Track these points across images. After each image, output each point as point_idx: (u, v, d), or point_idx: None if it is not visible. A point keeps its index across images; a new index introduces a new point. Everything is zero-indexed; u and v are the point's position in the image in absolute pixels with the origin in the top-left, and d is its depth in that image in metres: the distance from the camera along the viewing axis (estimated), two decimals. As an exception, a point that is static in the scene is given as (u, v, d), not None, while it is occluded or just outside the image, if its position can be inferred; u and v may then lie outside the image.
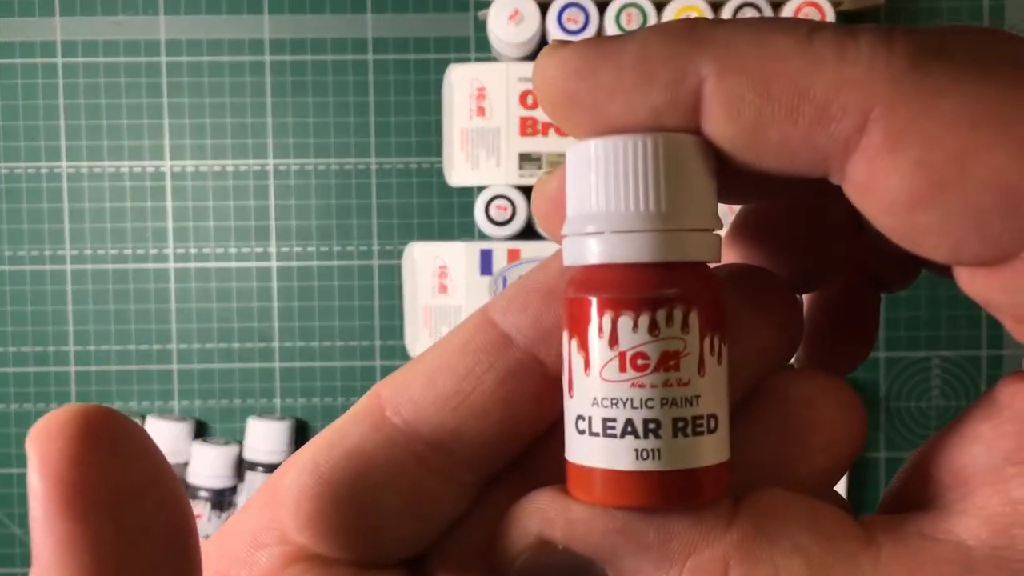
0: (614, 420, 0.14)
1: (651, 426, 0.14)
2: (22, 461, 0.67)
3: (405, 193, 0.66)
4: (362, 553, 0.15)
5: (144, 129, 0.66)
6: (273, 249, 0.66)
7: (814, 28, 0.13)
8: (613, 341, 0.14)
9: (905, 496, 0.15)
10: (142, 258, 0.66)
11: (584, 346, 0.14)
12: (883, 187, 0.13)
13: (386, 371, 0.66)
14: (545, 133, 0.60)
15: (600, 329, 0.14)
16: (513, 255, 0.60)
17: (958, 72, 0.12)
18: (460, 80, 0.60)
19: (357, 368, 0.66)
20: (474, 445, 0.15)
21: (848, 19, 0.65)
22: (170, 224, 0.66)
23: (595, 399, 0.14)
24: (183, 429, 0.64)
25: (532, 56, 0.61)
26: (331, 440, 0.15)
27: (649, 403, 0.14)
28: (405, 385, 0.15)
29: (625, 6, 0.57)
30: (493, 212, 0.60)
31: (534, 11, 0.58)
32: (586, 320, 0.14)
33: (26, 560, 0.67)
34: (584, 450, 0.14)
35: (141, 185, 0.66)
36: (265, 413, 0.67)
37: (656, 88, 0.13)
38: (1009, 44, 0.13)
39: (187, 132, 0.66)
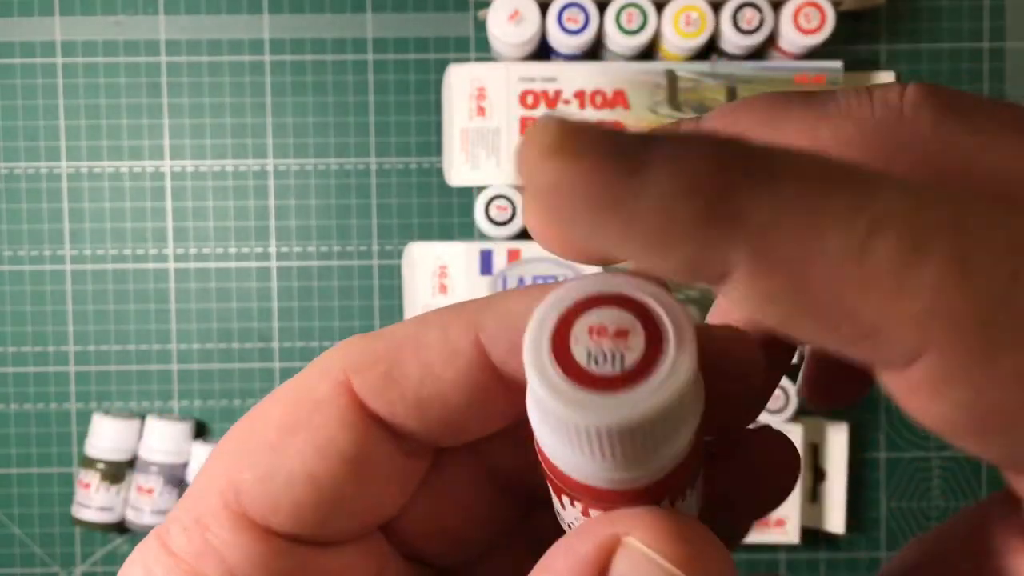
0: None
1: None
2: (22, 461, 0.67)
3: (405, 193, 0.66)
4: (322, 533, 0.16)
5: (144, 129, 0.66)
6: (273, 249, 0.66)
7: (874, 226, 0.11)
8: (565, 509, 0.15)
9: None
10: (142, 258, 0.66)
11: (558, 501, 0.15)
12: (919, 409, 0.12)
13: (386, 371, 0.66)
14: (545, 133, 0.60)
15: (562, 503, 0.15)
16: (513, 255, 0.60)
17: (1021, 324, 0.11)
18: (460, 80, 0.60)
19: (357, 368, 0.66)
20: (456, 434, 0.16)
21: (849, 19, 0.65)
22: (170, 224, 0.66)
23: (560, 517, 0.16)
24: (183, 429, 0.64)
25: (532, 56, 0.61)
26: (317, 444, 0.15)
27: None
28: (389, 399, 0.15)
29: (625, 6, 0.57)
30: (493, 212, 0.60)
31: (534, 11, 0.58)
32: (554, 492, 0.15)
33: (26, 560, 0.67)
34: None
35: (141, 185, 0.66)
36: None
37: (671, 262, 0.11)
38: None
39: (187, 132, 0.66)
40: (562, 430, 0.13)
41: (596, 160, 0.11)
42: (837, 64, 0.60)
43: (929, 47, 0.65)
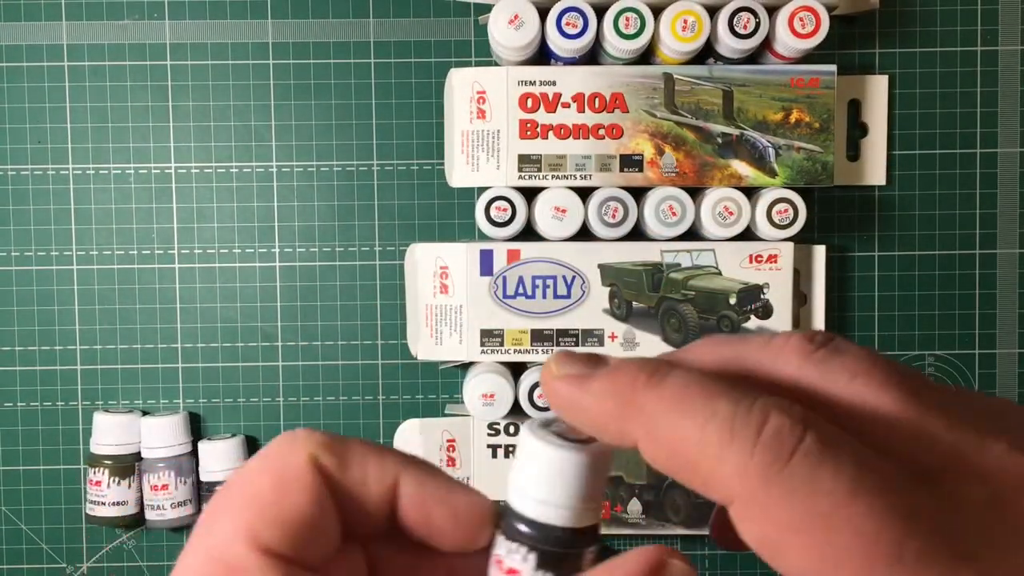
0: None
1: None
2: (29, 458, 0.68)
3: (406, 194, 0.67)
4: (311, 557, 0.20)
5: (149, 132, 0.67)
6: (276, 249, 0.67)
7: (708, 419, 0.18)
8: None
9: None
10: (147, 258, 0.67)
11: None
12: (740, 531, 0.18)
13: (388, 370, 0.67)
14: (544, 136, 0.60)
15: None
16: (513, 255, 0.61)
17: (792, 484, 0.17)
18: (461, 83, 0.61)
19: (359, 367, 0.67)
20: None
21: (843, 22, 0.66)
22: (175, 225, 0.67)
23: None
24: (178, 420, 0.65)
25: (531, 60, 0.62)
26: (300, 494, 0.20)
27: None
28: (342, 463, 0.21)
29: (623, 11, 0.58)
30: (493, 213, 0.61)
31: (534, 16, 0.58)
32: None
33: (33, 556, 0.68)
34: None
35: (146, 187, 0.67)
36: (267, 412, 0.67)
37: (608, 435, 0.20)
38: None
39: (192, 135, 0.67)
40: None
41: (567, 378, 0.20)
42: (831, 68, 0.61)
43: (923, 51, 0.66)
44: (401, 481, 0.21)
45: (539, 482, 0.20)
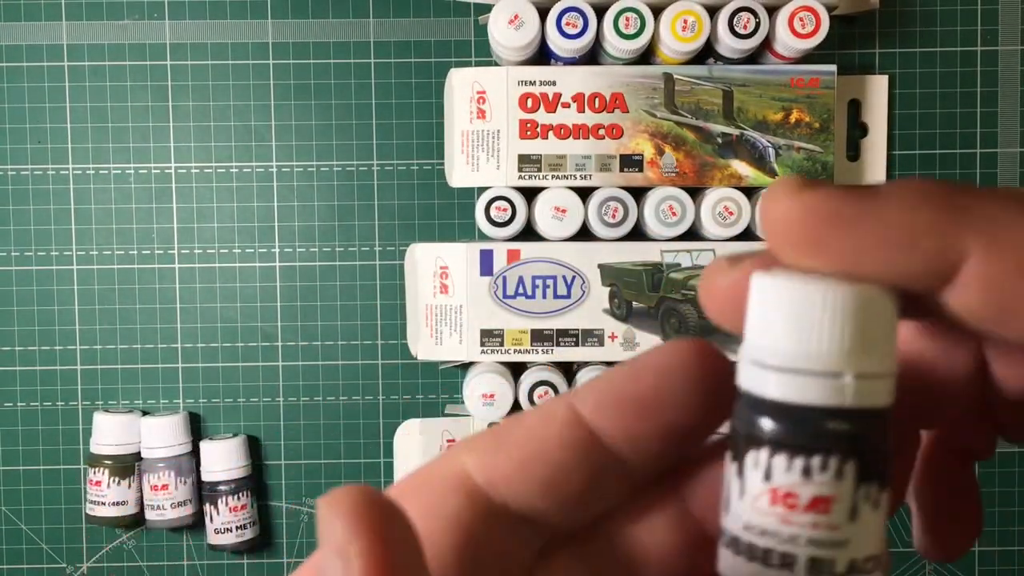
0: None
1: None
2: (29, 458, 0.67)
3: (406, 194, 0.67)
4: None
5: (149, 132, 0.67)
6: (276, 250, 0.67)
7: None
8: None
9: None
10: (147, 258, 0.67)
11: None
12: None
13: (388, 370, 0.67)
14: (544, 136, 0.60)
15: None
16: (513, 255, 0.61)
17: None
18: (461, 83, 0.61)
19: (359, 367, 0.67)
20: (556, 522, 0.17)
21: (843, 22, 0.66)
22: (175, 225, 0.67)
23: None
24: (177, 420, 0.65)
25: (531, 60, 0.62)
26: (427, 509, 0.16)
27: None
28: (495, 463, 0.16)
29: (623, 11, 0.58)
30: (493, 213, 0.61)
31: (534, 16, 0.58)
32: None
33: (33, 556, 0.68)
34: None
35: (146, 187, 0.67)
36: (267, 412, 0.67)
37: (917, 255, 0.14)
38: None
39: (191, 135, 0.67)
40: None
41: (840, 188, 0.15)
42: (831, 68, 0.61)
43: (923, 51, 0.66)
44: None
45: (847, 343, 0.14)
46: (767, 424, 0.14)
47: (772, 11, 0.59)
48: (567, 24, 0.59)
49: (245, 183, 0.67)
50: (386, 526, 0.13)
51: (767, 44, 0.61)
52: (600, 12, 0.59)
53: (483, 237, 0.64)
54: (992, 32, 0.66)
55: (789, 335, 0.14)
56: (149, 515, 0.65)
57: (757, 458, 0.15)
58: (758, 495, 0.14)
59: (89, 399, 0.67)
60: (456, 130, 0.61)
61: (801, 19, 0.59)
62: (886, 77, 0.66)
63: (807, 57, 0.61)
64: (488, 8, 0.60)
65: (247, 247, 0.67)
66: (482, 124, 0.61)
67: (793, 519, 0.14)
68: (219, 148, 0.67)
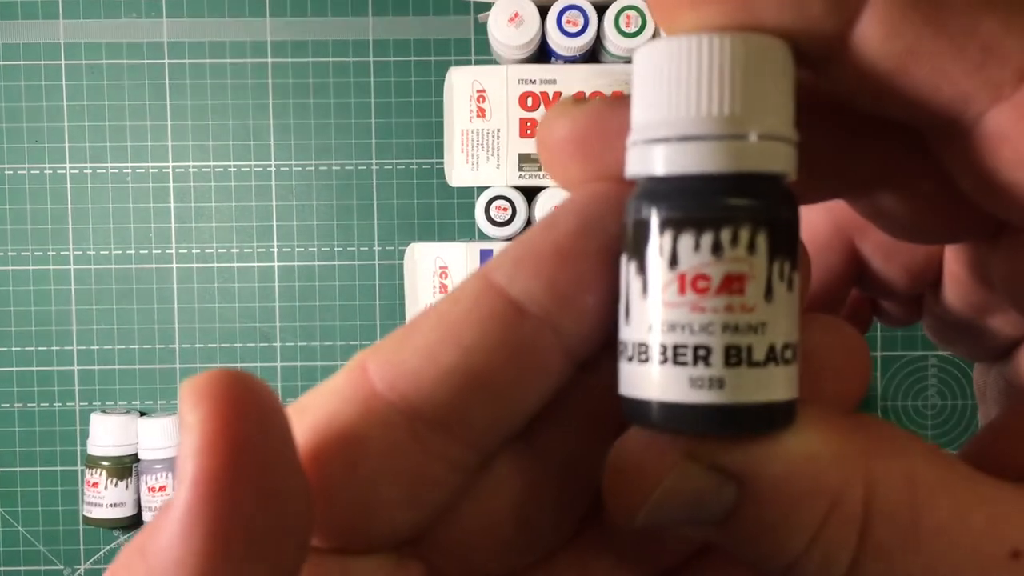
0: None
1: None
2: (26, 460, 0.67)
3: (406, 194, 0.66)
4: (352, 543, 0.14)
5: (147, 130, 0.66)
6: (275, 249, 0.67)
7: None
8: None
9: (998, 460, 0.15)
10: (145, 258, 0.67)
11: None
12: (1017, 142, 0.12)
13: (387, 370, 0.67)
14: (545, 134, 0.60)
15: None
16: (513, 255, 0.61)
17: None
18: (460, 82, 0.60)
19: (358, 367, 0.67)
20: (480, 424, 0.14)
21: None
22: (173, 224, 0.67)
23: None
24: (175, 420, 0.65)
25: (532, 58, 0.61)
26: (316, 422, 0.14)
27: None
28: (400, 359, 0.13)
29: (624, 9, 0.58)
30: (493, 213, 0.61)
31: (534, 14, 0.58)
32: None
33: (30, 558, 0.67)
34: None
35: (144, 186, 0.67)
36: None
37: (803, 14, 0.12)
38: None
39: (190, 133, 0.66)
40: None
41: None
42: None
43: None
44: None
45: (744, 100, 0.12)
46: (669, 204, 0.13)
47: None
48: (568, 22, 0.58)
49: (243, 182, 0.66)
50: (241, 400, 0.11)
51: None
52: (601, 10, 0.58)
53: (483, 237, 0.64)
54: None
55: (679, 100, 0.12)
56: (147, 517, 0.64)
57: (661, 244, 0.13)
58: (665, 286, 0.13)
59: (86, 400, 0.67)
60: (456, 129, 0.61)
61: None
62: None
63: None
64: (488, 6, 0.60)
65: (245, 247, 0.67)
66: (482, 123, 0.60)
67: (705, 304, 0.13)
68: (217, 147, 0.66)
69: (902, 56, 0.12)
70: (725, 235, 0.12)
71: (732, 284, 0.13)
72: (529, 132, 0.60)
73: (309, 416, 0.14)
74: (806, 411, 0.13)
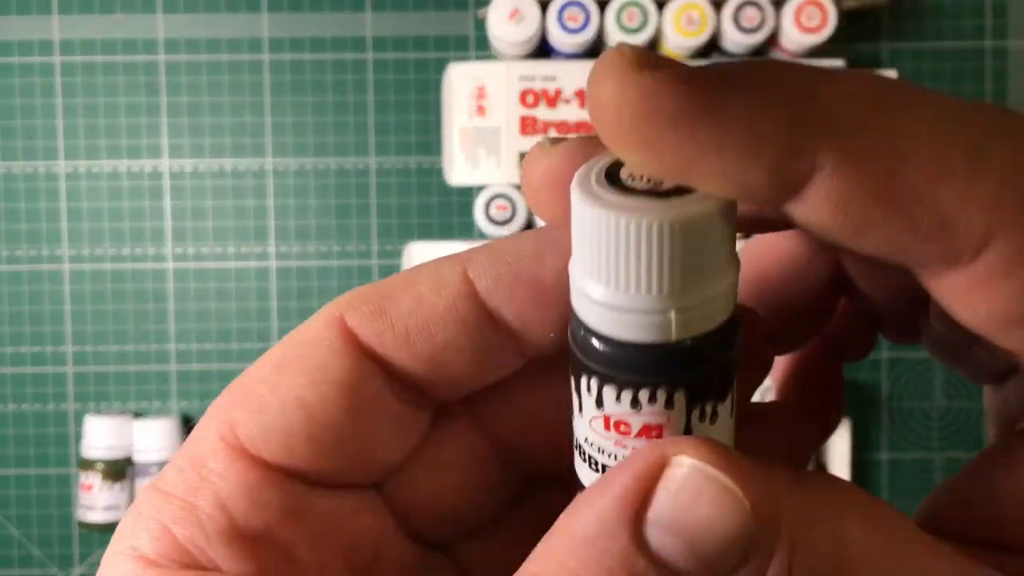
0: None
1: None
2: (20, 462, 0.66)
3: (404, 193, 0.65)
4: (328, 478, 0.15)
5: (142, 128, 0.65)
6: (272, 249, 0.66)
7: (945, 124, 0.12)
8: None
9: (951, 520, 0.15)
10: (140, 258, 0.66)
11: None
12: (984, 302, 0.12)
13: (385, 371, 0.66)
14: (545, 132, 0.59)
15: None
16: (513, 255, 0.60)
17: None
18: (460, 79, 0.60)
19: (356, 368, 0.66)
20: (445, 393, 0.16)
21: (851, 18, 0.64)
22: (168, 224, 0.66)
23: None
24: (172, 424, 0.64)
25: (532, 55, 0.61)
26: (314, 374, 0.15)
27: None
28: (380, 330, 0.15)
29: (626, 5, 0.57)
30: (493, 212, 0.60)
31: (534, 10, 0.57)
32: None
33: (24, 561, 0.66)
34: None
35: (139, 184, 0.66)
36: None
37: (759, 166, 0.12)
38: None
39: (185, 131, 0.65)
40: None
41: (682, 72, 0.12)
42: (839, 63, 0.59)
43: (931, 45, 0.65)
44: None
45: (666, 280, 0.13)
46: (594, 354, 0.13)
47: (778, 5, 0.58)
48: (568, 18, 0.57)
49: (239, 181, 0.66)
50: None
51: (773, 39, 0.60)
52: (602, 6, 0.57)
53: (483, 236, 0.63)
54: (1001, 27, 0.65)
55: (606, 271, 0.13)
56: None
57: (589, 384, 0.14)
58: (592, 418, 0.14)
59: (81, 401, 0.66)
60: (455, 127, 0.60)
61: (808, 13, 0.57)
62: (894, 72, 0.65)
63: (814, 52, 0.59)
64: (487, 2, 0.59)
65: (242, 246, 0.66)
66: (482, 120, 0.60)
67: (627, 443, 0.14)
68: (213, 145, 0.65)
69: (852, 228, 0.12)
70: (643, 395, 0.13)
71: (651, 431, 0.14)
72: (529, 129, 0.59)
73: (298, 365, 0.15)
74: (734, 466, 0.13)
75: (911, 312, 0.19)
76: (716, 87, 0.12)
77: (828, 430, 0.20)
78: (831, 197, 0.12)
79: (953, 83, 0.65)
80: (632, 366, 0.13)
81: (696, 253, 0.13)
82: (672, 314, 0.13)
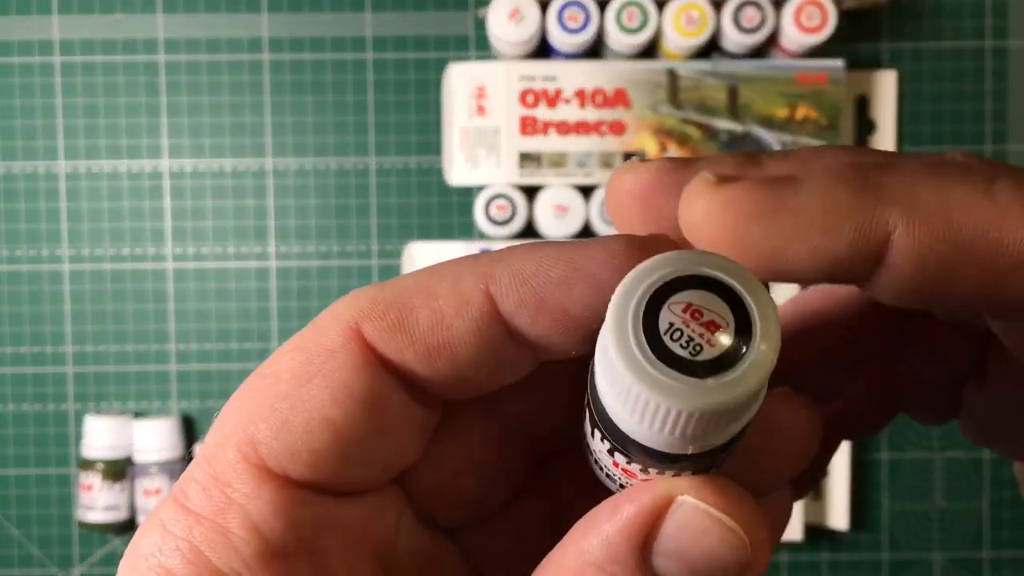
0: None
1: None
2: (20, 462, 0.66)
3: (404, 192, 0.65)
4: (343, 485, 0.16)
5: (142, 128, 0.65)
6: (272, 249, 0.66)
7: (990, 176, 0.14)
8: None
9: None
10: (140, 258, 0.66)
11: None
12: None
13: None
14: (545, 132, 0.59)
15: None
16: (513, 255, 0.60)
17: None
18: (460, 79, 0.60)
19: (356, 368, 0.66)
20: (455, 397, 0.16)
21: (851, 18, 0.64)
22: (168, 224, 0.66)
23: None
24: (171, 424, 0.64)
25: (532, 55, 0.61)
26: (338, 390, 0.15)
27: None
28: (399, 346, 0.15)
29: (626, 5, 0.57)
30: (493, 212, 0.60)
31: (534, 10, 0.57)
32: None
33: (24, 561, 0.66)
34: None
35: (139, 184, 0.66)
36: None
37: (841, 239, 0.13)
38: None
39: (185, 131, 0.65)
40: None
41: (754, 181, 0.14)
42: (839, 63, 0.59)
43: (931, 45, 0.65)
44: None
45: (688, 437, 0.13)
46: (610, 428, 0.14)
47: (778, 5, 0.58)
48: (568, 18, 0.57)
49: (239, 181, 0.66)
50: None
51: (773, 39, 0.59)
52: (602, 6, 0.57)
53: (483, 236, 0.63)
54: (1001, 27, 0.65)
55: (630, 408, 0.13)
56: (141, 519, 0.63)
57: (602, 438, 0.14)
58: (604, 452, 0.15)
59: (81, 401, 0.66)
60: (455, 127, 0.60)
61: (808, 13, 0.57)
62: (894, 72, 0.65)
63: (814, 52, 0.59)
64: (487, 2, 0.59)
65: (242, 246, 0.66)
66: (482, 120, 0.60)
67: (632, 481, 0.15)
68: (213, 145, 0.65)
69: (934, 279, 0.13)
70: (652, 470, 0.14)
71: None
72: (529, 130, 0.59)
73: (320, 380, 0.15)
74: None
75: (955, 385, 0.19)
76: (788, 184, 0.14)
77: (799, 495, 0.20)
78: (910, 253, 0.13)
79: (953, 83, 0.65)
80: (644, 453, 0.14)
81: (719, 424, 0.13)
82: (689, 448, 0.13)
